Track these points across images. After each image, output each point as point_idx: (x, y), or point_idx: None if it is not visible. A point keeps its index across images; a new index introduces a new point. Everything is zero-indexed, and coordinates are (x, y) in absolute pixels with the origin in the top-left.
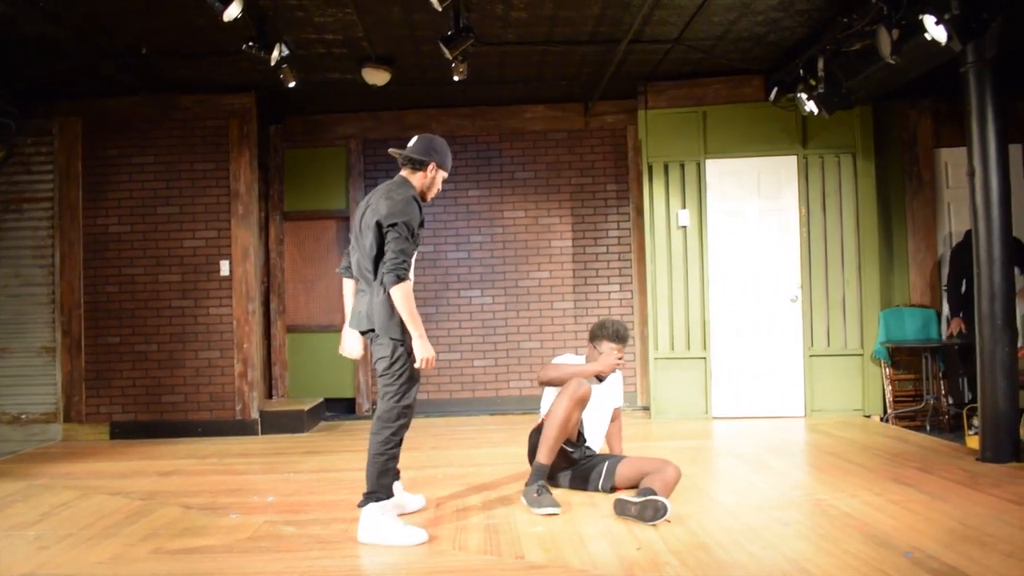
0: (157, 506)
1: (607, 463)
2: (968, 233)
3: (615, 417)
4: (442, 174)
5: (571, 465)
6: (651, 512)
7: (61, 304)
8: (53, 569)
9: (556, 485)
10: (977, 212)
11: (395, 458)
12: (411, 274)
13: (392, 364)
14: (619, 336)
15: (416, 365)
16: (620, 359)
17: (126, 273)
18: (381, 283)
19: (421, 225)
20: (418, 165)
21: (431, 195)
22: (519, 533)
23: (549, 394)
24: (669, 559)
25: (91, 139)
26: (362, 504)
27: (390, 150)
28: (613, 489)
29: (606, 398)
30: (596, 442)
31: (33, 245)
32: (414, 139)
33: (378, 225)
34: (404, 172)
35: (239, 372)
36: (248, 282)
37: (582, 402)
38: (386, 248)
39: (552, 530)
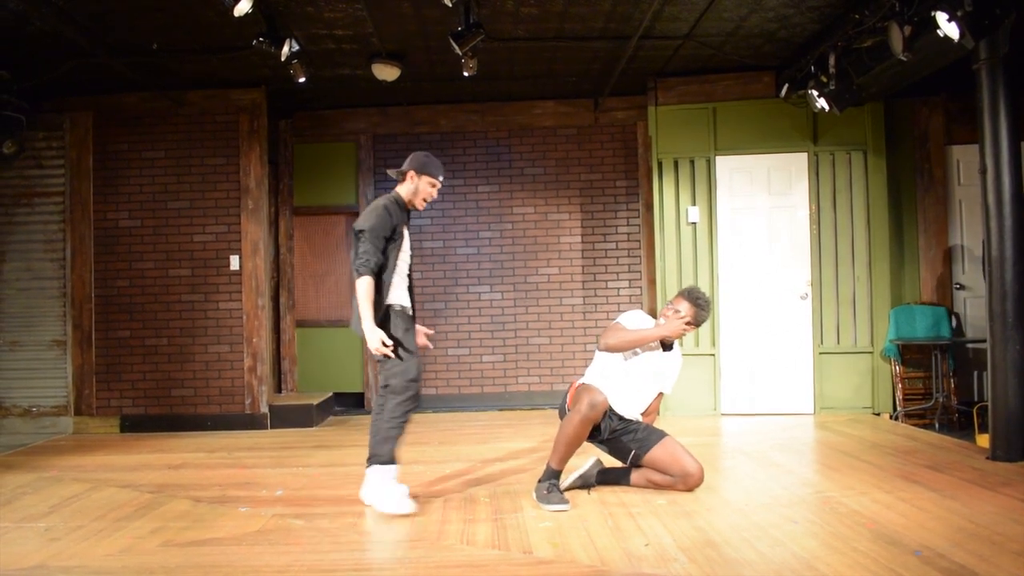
0: (167, 499)
1: (637, 448)
2: None
3: (655, 401)
4: (426, 179)
5: (602, 441)
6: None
7: (72, 298)
8: (63, 561)
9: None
10: (989, 210)
11: (399, 428)
12: (396, 277)
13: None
14: (699, 305)
15: (372, 351)
16: (687, 326)
17: (136, 267)
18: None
19: (395, 231)
20: (400, 176)
21: (418, 200)
22: (527, 528)
23: (600, 356)
24: (677, 556)
25: (102, 134)
26: (368, 465)
27: (388, 171)
28: (638, 466)
29: (657, 377)
30: (631, 415)
31: (44, 239)
32: None
33: (353, 232)
34: (397, 187)
35: (248, 366)
36: (258, 277)
37: (593, 421)
38: (356, 249)
39: (560, 525)
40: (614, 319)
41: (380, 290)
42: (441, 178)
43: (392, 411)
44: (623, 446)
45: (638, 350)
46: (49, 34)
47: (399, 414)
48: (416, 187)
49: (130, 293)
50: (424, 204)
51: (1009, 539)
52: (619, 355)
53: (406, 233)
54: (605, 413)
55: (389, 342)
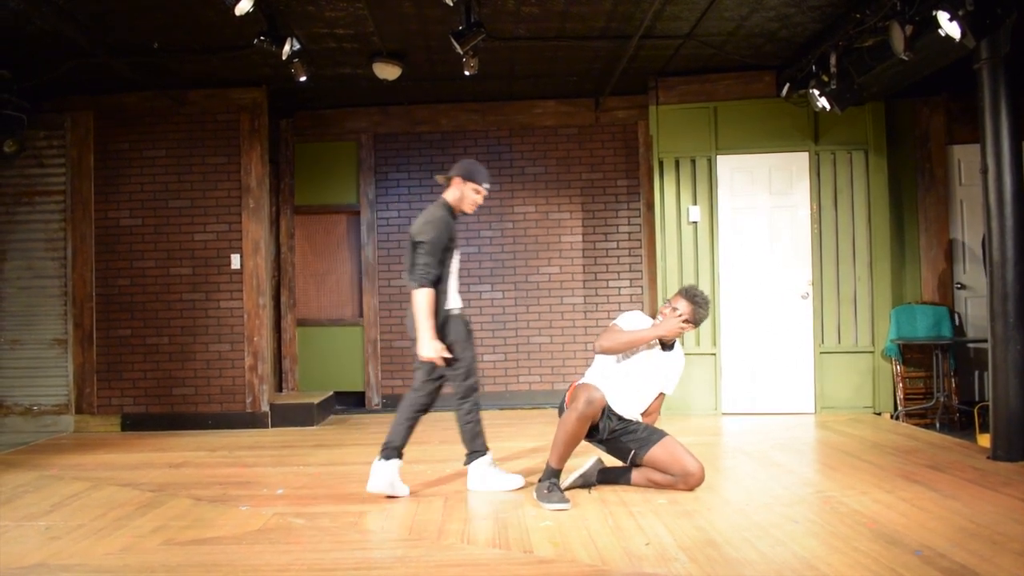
0: (167, 498)
1: (637, 448)
2: None
3: (656, 401)
4: (471, 186)
5: (601, 440)
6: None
7: (73, 296)
8: (63, 560)
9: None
10: (990, 210)
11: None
12: (453, 281)
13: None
14: (697, 303)
15: (426, 359)
16: (684, 324)
17: (137, 266)
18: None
19: (452, 240)
20: (446, 181)
21: (466, 206)
22: (528, 527)
23: (599, 358)
24: (678, 555)
25: (103, 133)
26: (466, 462)
27: (436, 176)
28: (638, 465)
29: (657, 376)
30: (631, 415)
31: (45, 238)
32: None
33: (411, 241)
34: (444, 193)
35: (249, 365)
36: (259, 275)
37: (591, 418)
38: (415, 260)
39: (561, 525)
40: (613, 320)
41: (438, 298)
42: (487, 185)
43: (465, 414)
44: (623, 446)
45: (637, 350)
46: (50, 33)
47: (473, 412)
48: (462, 193)
49: (131, 292)
50: (472, 209)
51: (1010, 539)
52: (618, 355)
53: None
54: (604, 412)
55: (446, 353)
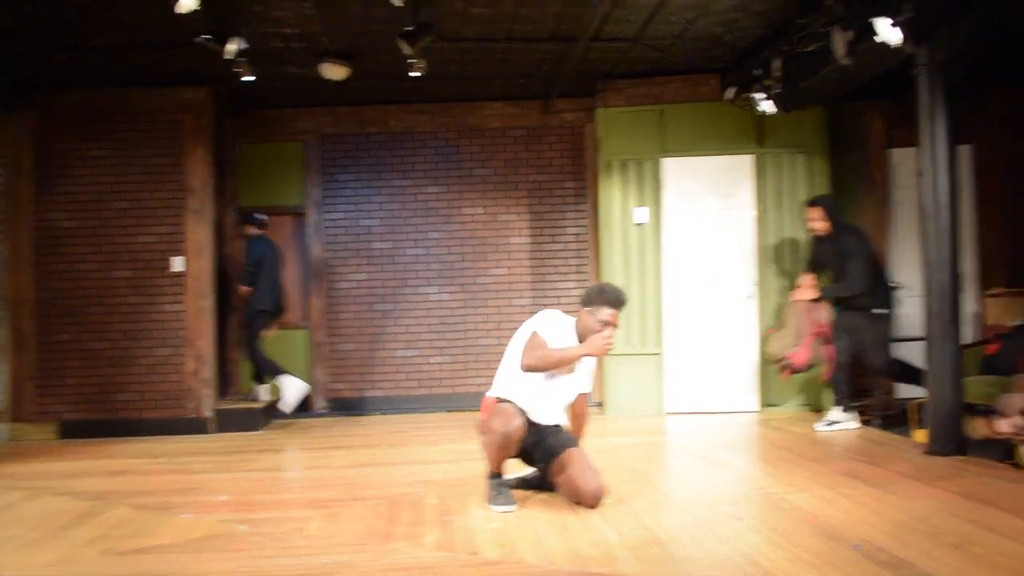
0: (107, 506)
1: (545, 463)
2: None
3: (580, 402)
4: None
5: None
6: None
7: (10, 300)
8: None
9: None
10: (926, 212)
11: None
12: None
13: None
14: (620, 301)
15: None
16: (610, 341)
17: (77, 269)
18: None
19: None
20: None
21: None
22: (474, 529)
23: (503, 370)
24: (623, 554)
25: (42, 132)
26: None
27: None
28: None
29: (572, 379)
30: (553, 421)
31: None
32: None
33: None
34: None
35: (192, 370)
36: (202, 278)
37: (511, 446)
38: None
39: (508, 526)
40: (531, 326)
41: None
42: None
43: None
44: (542, 457)
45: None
46: None
47: None
48: None
49: (71, 295)
50: None
51: (945, 532)
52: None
53: None
54: (533, 432)
55: None
